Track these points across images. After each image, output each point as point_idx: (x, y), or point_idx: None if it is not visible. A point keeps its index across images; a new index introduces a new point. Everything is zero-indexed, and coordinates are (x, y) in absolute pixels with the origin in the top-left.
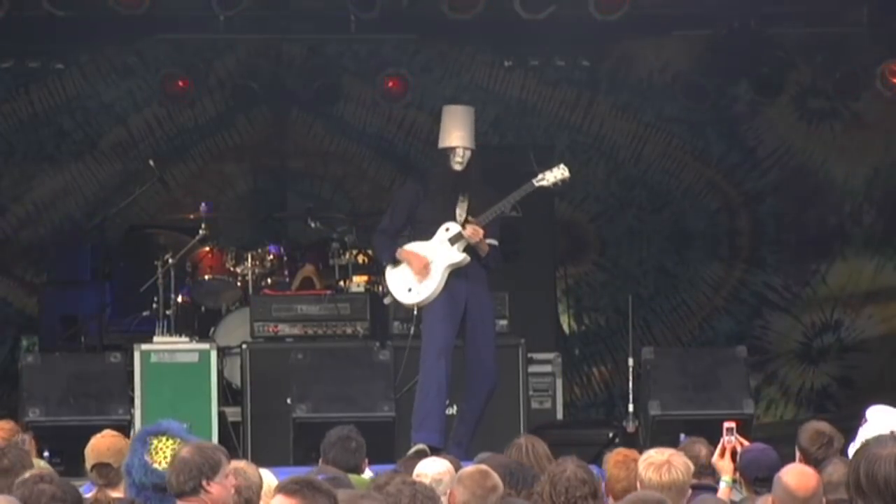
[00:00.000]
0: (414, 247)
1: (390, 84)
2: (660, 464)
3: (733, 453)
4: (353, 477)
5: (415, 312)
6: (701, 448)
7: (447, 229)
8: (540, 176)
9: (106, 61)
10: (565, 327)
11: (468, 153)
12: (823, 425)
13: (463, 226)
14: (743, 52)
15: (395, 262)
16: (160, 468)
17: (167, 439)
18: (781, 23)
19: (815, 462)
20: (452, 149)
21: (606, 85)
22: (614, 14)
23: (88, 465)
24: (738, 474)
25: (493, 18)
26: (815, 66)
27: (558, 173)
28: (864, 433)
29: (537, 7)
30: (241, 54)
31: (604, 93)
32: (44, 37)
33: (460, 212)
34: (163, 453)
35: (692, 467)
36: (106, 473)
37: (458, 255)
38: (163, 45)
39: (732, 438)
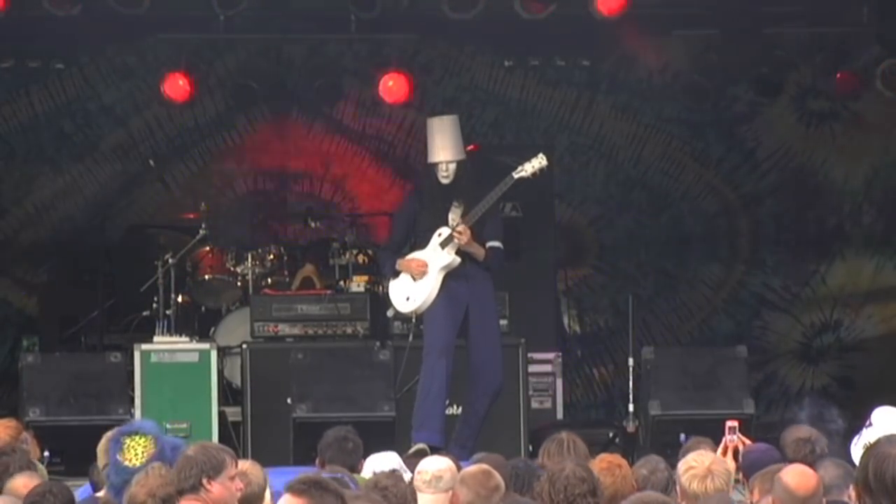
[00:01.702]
0: (410, 255)
1: (390, 84)
2: (703, 474)
3: (735, 452)
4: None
5: (413, 320)
6: (706, 448)
7: (439, 234)
8: (519, 168)
9: (106, 62)
10: (566, 327)
11: (453, 166)
12: (803, 430)
13: (453, 229)
14: (743, 52)
15: (397, 274)
16: (130, 465)
17: (140, 437)
18: (781, 23)
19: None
20: (437, 164)
21: (606, 85)
22: (614, 14)
23: (101, 463)
24: (740, 474)
25: (493, 18)
26: (815, 66)
27: (536, 163)
28: (868, 436)
29: (537, 7)
30: (241, 54)
31: (604, 93)
32: (44, 37)
33: (453, 216)
34: (134, 451)
35: (732, 472)
36: None
37: (447, 258)
38: (163, 45)
39: (735, 437)
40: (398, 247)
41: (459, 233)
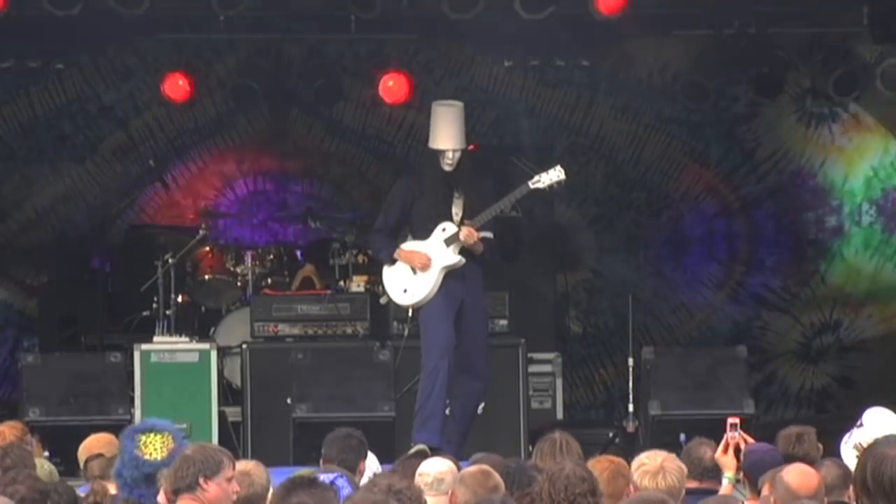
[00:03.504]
0: (411, 246)
1: (390, 84)
2: (655, 470)
3: (737, 450)
4: None
5: (409, 314)
6: (707, 450)
7: (444, 230)
8: (536, 178)
9: (106, 62)
10: (565, 328)
11: (457, 154)
12: (791, 428)
13: (459, 227)
14: (743, 52)
15: (393, 262)
16: (151, 459)
17: (155, 434)
18: (781, 23)
19: (795, 460)
20: (442, 151)
21: (606, 85)
22: (614, 14)
23: (82, 462)
24: (741, 473)
25: (493, 18)
26: (815, 66)
27: (554, 175)
28: (859, 436)
29: (537, 7)
30: (241, 54)
31: (603, 93)
32: (44, 37)
33: (456, 210)
34: (153, 446)
35: (685, 470)
36: (99, 464)
37: (453, 258)
38: (163, 45)
39: (736, 434)
40: (392, 231)
41: (467, 235)
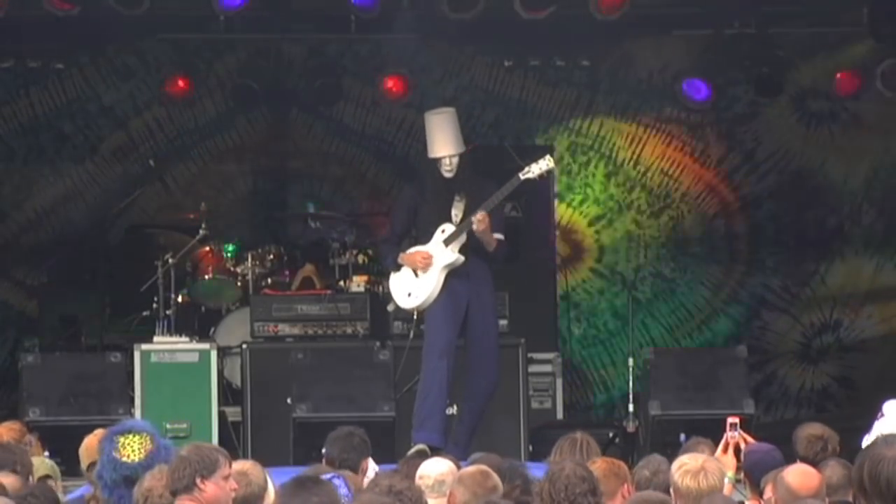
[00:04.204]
0: (413, 249)
1: (390, 84)
2: (696, 470)
3: (736, 449)
4: None
5: (415, 316)
6: (704, 448)
7: (442, 231)
8: (526, 169)
9: (106, 62)
10: (565, 329)
11: (455, 159)
12: (816, 428)
13: (462, 221)
14: (743, 52)
15: (398, 268)
16: (129, 461)
17: (134, 435)
18: (781, 23)
19: (813, 465)
20: (440, 159)
21: (606, 85)
22: (614, 14)
23: (84, 464)
24: (741, 473)
25: (493, 18)
26: (815, 66)
27: (543, 164)
28: (881, 427)
29: (537, 7)
30: (241, 54)
31: (604, 93)
32: (44, 37)
33: (456, 212)
34: (131, 447)
35: (731, 470)
36: None
37: (452, 256)
38: (163, 45)
39: (736, 434)
40: (399, 239)
41: (479, 220)
